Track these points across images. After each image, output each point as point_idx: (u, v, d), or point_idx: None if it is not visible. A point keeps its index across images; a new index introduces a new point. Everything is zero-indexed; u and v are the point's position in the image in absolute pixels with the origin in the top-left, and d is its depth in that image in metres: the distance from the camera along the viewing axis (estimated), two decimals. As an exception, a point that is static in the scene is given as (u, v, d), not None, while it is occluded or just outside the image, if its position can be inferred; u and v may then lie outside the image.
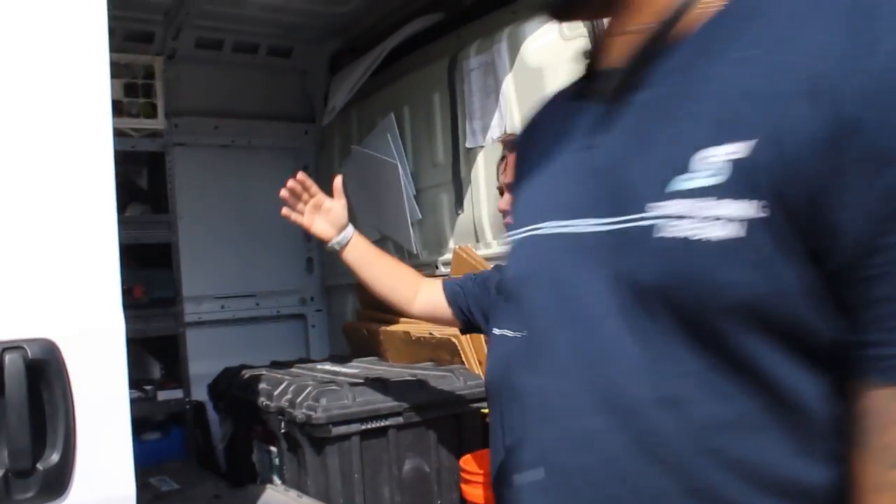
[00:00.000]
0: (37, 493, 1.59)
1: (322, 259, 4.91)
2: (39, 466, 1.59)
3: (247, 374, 3.48)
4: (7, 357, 1.56)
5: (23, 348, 1.58)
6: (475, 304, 2.30)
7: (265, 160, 4.78)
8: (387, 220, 4.08)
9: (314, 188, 2.42)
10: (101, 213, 1.71)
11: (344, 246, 2.35)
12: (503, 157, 2.29)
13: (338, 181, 2.43)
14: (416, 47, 4.01)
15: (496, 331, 2.13)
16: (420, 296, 2.36)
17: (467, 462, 2.92)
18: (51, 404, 1.61)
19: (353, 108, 4.37)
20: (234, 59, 4.51)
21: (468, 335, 3.25)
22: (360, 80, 4.09)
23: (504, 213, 2.15)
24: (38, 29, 1.68)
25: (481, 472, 2.83)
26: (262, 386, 3.21)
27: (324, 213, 2.40)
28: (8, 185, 1.63)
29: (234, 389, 3.46)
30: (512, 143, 2.13)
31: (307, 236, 4.84)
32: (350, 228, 2.38)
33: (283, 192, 2.41)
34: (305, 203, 2.42)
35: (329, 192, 4.54)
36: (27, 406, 1.57)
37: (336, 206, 2.41)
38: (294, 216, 2.42)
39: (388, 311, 3.94)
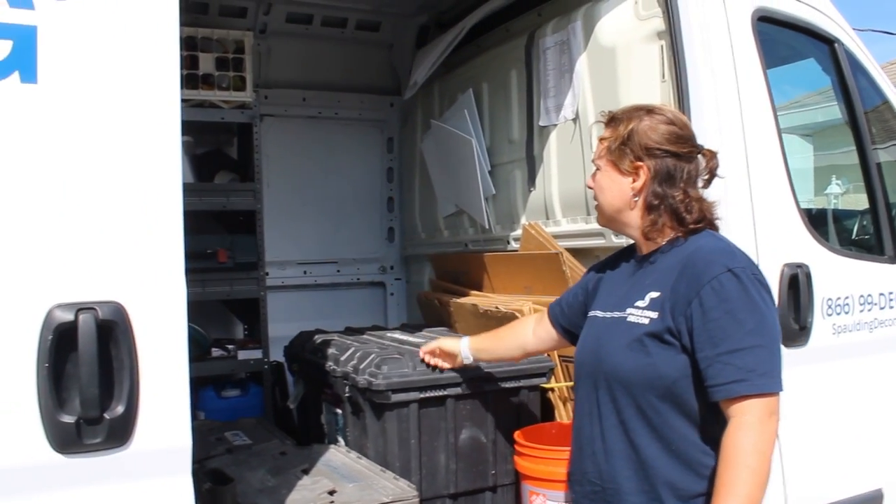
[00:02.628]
0: (104, 440, 1.76)
1: (402, 228, 5.03)
2: (107, 416, 1.76)
3: (319, 338, 3.63)
4: (80, 317, 1.73)
5: (94, 309, 1.75)
6: (573, 313, 2.47)
7: (351, 131, 4.91)
8: (462, 193, 4.16)
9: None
10: (167, 186, 1.85)
11: (473, 357, 2.86)
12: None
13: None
14: (497, 24, 4.05)
15: (590, 313, 2.27)
16: (533, 337, 2.68)
17: (522, 435, 3.00)
18: (117, 360, 1.78)
19: (435, 82, 4.45)
20: (324, 32, 4.64)
21: (532, 311, 3.31)
22: (442, 56, 4.15)
23: (590, 188, 2.26)
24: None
25: (535, 445, 2.90)
26: (331, 351, 3.36)
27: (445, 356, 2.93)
28: (80, 156, 1.78)
29: (307, 353, 3.62)
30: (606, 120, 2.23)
31: (390, 206, 5.00)
32: (465, 345, 2.85)
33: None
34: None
35: (410, 164, 4.68)
36: (97, 361, 1.73)
37: (446, 345, 2.91)
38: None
39: (459, 283, 4.04)
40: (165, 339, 1.83)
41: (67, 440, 1.73)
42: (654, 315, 2.00)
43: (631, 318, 2.06)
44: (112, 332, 1.77)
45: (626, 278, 2.22)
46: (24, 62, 1.74)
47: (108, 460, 1.77)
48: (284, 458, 3.00)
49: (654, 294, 2.03)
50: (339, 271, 4.92)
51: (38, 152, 1.74)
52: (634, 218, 2.14)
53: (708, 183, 2.17)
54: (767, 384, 1.86)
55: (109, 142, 1.80)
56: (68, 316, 1.72)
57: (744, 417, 1.84)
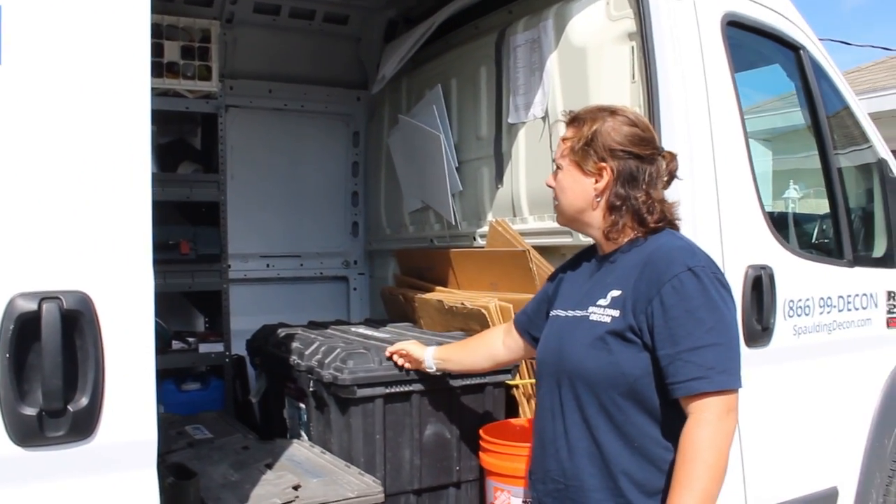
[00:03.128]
0: (67, 432, 1.72)
1: (367, 223, 5.01)
2: (70, 408, 1.72)
3: (283, 332, 3.60)
4: (44, 306, 1.68)
5: (59, 298, 1.70)
6: (539, 319, 2.45)
7: (317, 125, 4.88)
8: (429, 189, 4.15)
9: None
10: (135, 175, 1.81)
11: (436, 366, 2.84)
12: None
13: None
14: (467, 20, 4.04)
15: (552, 312, 2.27)
16: (503, 348, 2.69)
17: (487, 431, 3.00)
18: (82, 351, 1.74)
19: (403, 77, 4.43)
20: (291, 24, 4.60)
21: (499, 307, 3.32)
22: (411, 51, 4.13)
23: (551, 188, 2.26)
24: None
25: (500, 441, 2.91)
26: (295, 345, 3.33)
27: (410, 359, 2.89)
28: (45, 143, 1.73)
29: (270, 346, 3.59)
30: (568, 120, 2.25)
31: (354, 200, 4.97)
32: (430, 354, 2.83)
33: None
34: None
35: (376, 158, 4.66)
36: (61, 352, 1.69)
37: (413, 350, 2.87)
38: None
39: (424, 279, 4.03)
40: (132, 331, 1.79)
41: (28, 433, 1.68)
42: (616, 313, 2.03)
43: (593, 317, 2.08)
44: (77, 322, 1.72)
45: (587, 278, 2.24)
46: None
47: (72, 453, 1.73)
48: (247, 453, 2.96)
49: (616, 293, 2.06)
50: (302, 265, 4.89)
51: (1, 137, 1.69)
52: (596, 218, 2.16)
53: (667, 184, 2.19)
54: (726, 381, 1.90)
55: (76, 127, 1.76)
56: (31, 305, 1.67)
57: (702, 414, 1.88)
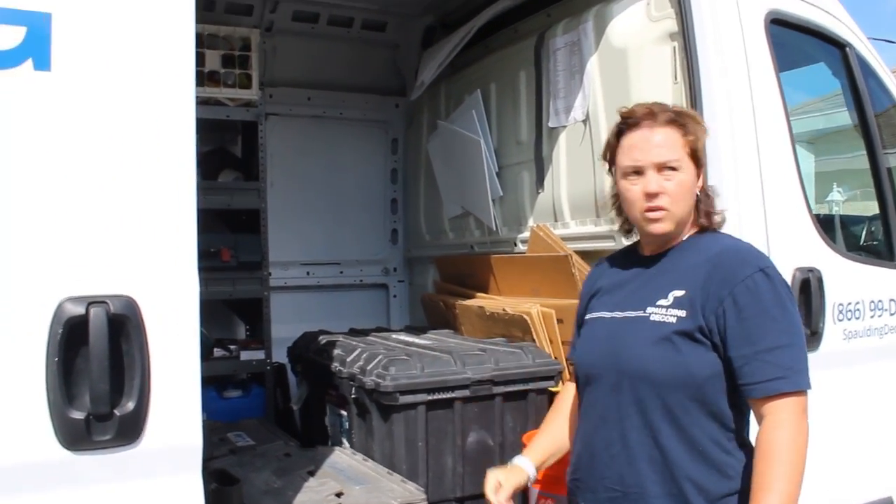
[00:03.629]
0: (114, 437, 1.72)
1: (406, 230, 5.00)
2: (117, 412, 1.72)
3: (324, 339, 3.60)
4: (91, 311, 1.69)
5: (106, 303, 1.71)
6: None
7: (355, 132, 4.88)
8: (469, 195, 4.13)
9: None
10: (181, 181, 1.82)
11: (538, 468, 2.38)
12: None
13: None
14: (505, 24, 4.03)
15: (591, 315, 2.21)
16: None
17: (530, 438, 2.97)
18: (129, 356, 1.74)
19: (442, 83, 4.42)
20: (329, 32, 4.61)
21: (541, 313, 3.29)
22: (450, 57, 4.12)
23: (651, 197, 2.07)
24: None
25: (543, 448, 2.87)
26: (336, 352, 3.33)
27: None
28: (93, 147, 1.74)
29: (311, 353, 3.59)
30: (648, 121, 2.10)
31: (393, 207, 4.97)
32: (526, 465, 2.34)
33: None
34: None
35: (415, 165, 4.64)
36: (108, 356, 1.70)
37: (508, 479, 2.31)
38: None
39: (465, 285, 4.01)
40: (177, 336, 1.80)
41: (76, 436, 1.69)
42: (682, 313, 1.97)
43: (654, 317, 2.01)
44: (123, 326, 1.73)
45: (634, 278, 2.16)
46: (37, 49, 1.70)
47: (118, 457, 1.74)
48: (289, 460, 2.96)
49: (679, 293, 2.01)
50: (342, 272, 4.89)
51: (51, 142, 1.71)
52: (690, 214, 2.10)
53: None
54: (803, 381, 1.88)
55: (123, 134, 1.77)
56: (79, 309, 1.69)
57: (780, 415, 1.85)
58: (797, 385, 1.86)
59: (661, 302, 2.01)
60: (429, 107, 4.59)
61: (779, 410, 1.85)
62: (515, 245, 3.85)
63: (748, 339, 1.89)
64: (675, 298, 2.00)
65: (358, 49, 4.76)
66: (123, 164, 1.77)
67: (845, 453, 3.14)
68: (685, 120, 2.09)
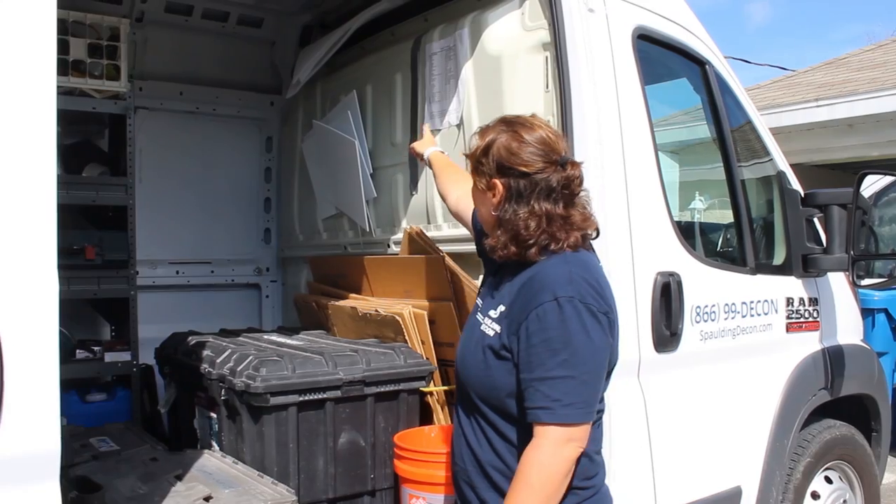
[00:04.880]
0: (-37, 444, 1.63)
1: (279, 230, 4.94)
2: (-33, 419, 1.63)
3: (193, 340, 3.52)
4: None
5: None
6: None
7: (229, 128, 4.79)
8: (343, 196, 4.12)
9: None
10: (39, 174, 1.74)
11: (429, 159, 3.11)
12: None
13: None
14: (383, 27, 4.04)
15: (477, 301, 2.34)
16: (458, 199, 2.80)
17: (401, 438, 3.00)
18: (-23, 358, 1.65)
19: (318, 82, 4.39)
20: (204, 25, 4.51)
21: (413, 314, 3.32)
22: (326, 56, 4.11)
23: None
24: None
25: (415, 449, 2.91)
26: (206, 353, 3.26)
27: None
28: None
29: (180, 355, 3.50)
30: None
31: (267, 206, 4.90)
32: (428, 153, 3.12)
33: None
34: None
35: (289, 164, 4.60)
36: (-45, 358, 1.61)
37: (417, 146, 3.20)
38: None
39: (338, 286, 4.00)
40: (34, 339, 1.72)
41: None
42: (498, 328, 2.11)
43: (483, 326, 2.17)
44: (-25, 329, 1.65)
45: (495, 282, 2.26)
46: None
47: (-33, 467, 1.65)
48: (156, 464, 2.88)
49: (502, 308, 2.14)
50: (213, 272, 4.78)
51: None
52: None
53: (569, 197, 2.13)
54: (568, 415, 1.96)
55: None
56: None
57: (540, 440, 1.98)
58: (560, 418, 1.95)
59: (491, 313, 2.16)
60: (304, 106, 4.56)
61: (540, 436, 1.98)
62: (389, 246, 3.87)
63: (528, 366, 2.01)
64: (500, 313, 2.13)
65: (233, 44, 4.68)
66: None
67: (701, 446, 3.32)
68: (485, 131, 2.24)
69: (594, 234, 2.21)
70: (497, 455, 2.13)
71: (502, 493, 2.05)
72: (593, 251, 2.26)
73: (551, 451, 1.96)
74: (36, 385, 1.72)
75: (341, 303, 3.80)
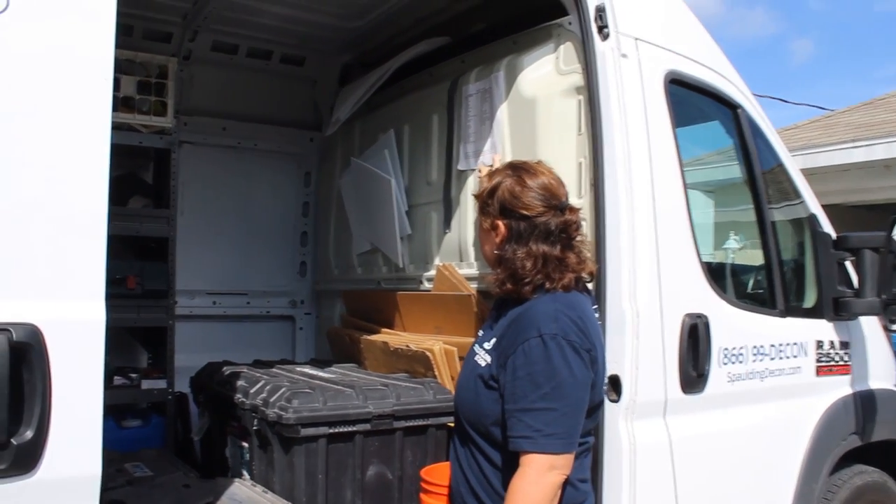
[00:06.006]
0: (9, 466, 1.71)
1: (315, 263, 5.03)
2: (14, 441, 1.71)
3: (228, 370, 3.60)
4: (-7, 339, 1.69)
5: (8, 331, 1.71)
6: None
7: (269, 163, 4.91)
8: (378, 232, 4.20)
9: None
10: (92, 207, 1.84)
11: None
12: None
13: None
14: (421, 68, 4.14)
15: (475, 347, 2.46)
16: None
17: (428, 473, 3.02)
18: (30, 385, 1.74)
19: (357, 120, 4.50)
20: (248, 63, 4.65)
21: (443, 350, 3.37)
22: (366, 95, 4.21)
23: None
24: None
25: (441, 483, 2.94)
26: (240, 383, 3.33)
27: None
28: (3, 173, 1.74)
29: (214, 384, 3.58)
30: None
31: (303, 240, 5.00)
32: None
33: None
34: None
35: (327, 199, 4.72)
36: (7, 384, 1.69)
37: None
38: None
39: (371, 320, 4.06)
40: (81, 365, 1.81)
41: (-30, 465, 1.68)
42: (489, 359, 2.28)
43: (476, 357, 2.34)
44: (26, 354, 1.73)
45: (495, 316, 2.46)
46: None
47: (13, 488, 1.72)
48: (188, 491, 2.95)
49: (494, 340, 2.31)
50: (248, 303, 4.88)
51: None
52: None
53: (567, 240, 2.33)
54: (549, 444, 2.11)
55: (34, 156, 1.78)
56: (-20, 338, 1.68)
57: (525, 468, 2.12)
58: (541, 447, 2.11)
59: (486, 345, 2.32)
60: (343, 143, 4.67)
61: (525, 464, 2.12)
62: (421, 283, 3.94)
63: (512, 397, 2.15)
64: (492, 345, 2.29)
65: (275, 82, 4.81)
66: (32, 185, 1.78)
67: (728, 490, 3.31)
68: (492, 178, 2.44)
69: (588, 278, 2.41)
70: (485, 478, 2.30)
71: None
72: (588, 292, 2.43)
73: (535, 478, 2.10)
74: (81, 411, 1.80)
75: (373, 337, 3.87)
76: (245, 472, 3.28)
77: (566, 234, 2.32)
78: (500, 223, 2.31)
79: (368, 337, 3.89)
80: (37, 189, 1.78)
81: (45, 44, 1.81)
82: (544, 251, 2.27)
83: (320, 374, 3.54)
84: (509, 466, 2.19)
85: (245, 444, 3.30)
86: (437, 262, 3.82)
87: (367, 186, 4.24)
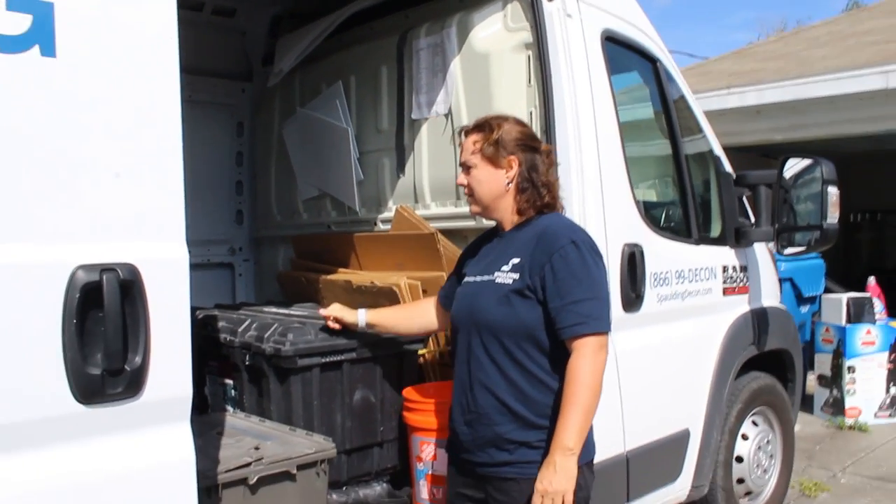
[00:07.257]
0: (124, 389, 1.94)
1: (253, 211, 5.19)
2: (127, 367, 1.93)
3: (200, 314, 3.77)
4: (105, 277, 1.89)
5: (115, 270, 1.92)
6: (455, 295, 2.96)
7: (202, 114, 4.96)
8: (330, 179, 4.42)
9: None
10: (171, 164, 2.06)
11: (368, 325, 3.24)
12: (460, 143, 2.85)
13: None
14: (362, 21, 4.34)
15: (463, 281, 2.69)
16: (437, 319, 3.17)
17: (410, 393, 3.36)
18: (132, 317, 1.96)
19: (296, 72, 4.65)
20: (181, 15, 4.64)
21: (408, 285, 3.68)
22: (311, 46, 4.35)
23: (462, 186, 2.81)
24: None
25: (424, 400, 3.28)
26: (221, 324, 3.53)
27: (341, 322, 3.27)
28: (96, 131, 1.94)
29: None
30: (466, 130, 2.80)
31: (238, 189, 5.13)
32: (361, 317, 3.23)
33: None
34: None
35: (266, 148, 4.83)
36: (120, 317, 1.91)
37: (340, 315, 3.26)
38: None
39: (324, 262, 4.31)
40: (171, 298, 2.03)
41: (92, 391, 1.88)
42: (517, 276, 2.62)
43: (498, 280, 2.66)
44: (129, 290, 1.94)
45: (491, 251, 2.80)
46: (43, 36, 1.86)
47: (125, 409, 1.95)
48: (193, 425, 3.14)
49: (516, 260, 2.65)
50: (189, 252, 4.96)
51: (59, 124, 1.88)
52: (508, 201, 2.72)
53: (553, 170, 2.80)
54: (599, 325, 2.54)
55: (121, 119, 1.98)
56: (93, 276, 1.88)
57: (581, 350, 2.51)
58: (594, 328, 2.52)
59: (504, 268, 2.67)
60: (281, 94, 4.80)
61: (580, 346, 2.51)
62: (376, 224, 4.21)
63: (559, 294, 2.54)
64: (513, 265, 2.65)
65: (207, 34, 4.87)
66: (120, 149, 1.97)
67: (658, 393, 3.83)
68: (485, 128, 2.73)
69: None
70: (517, 389, 2.60)
71: (522, 422, 2.59)
72: None
73: (593, 356, 2.49)
74: (174, 339, 2.04)
75: (333, 276, 4.10)
76: (229, 408, 3.49)
77: (554, 165, 2.84)
78: (515, 158, 2.67)
79: (328, 276, 4.13)
80: (133, 150, 1.99)
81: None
82: (552, 179, 2.73)
83: (291, 312, 3.78)
84: (553, 361, 2.57)
85: (229, 381, 3.52)
86: (391, 204, 4.10)
87: (315, 136, 4.44)
